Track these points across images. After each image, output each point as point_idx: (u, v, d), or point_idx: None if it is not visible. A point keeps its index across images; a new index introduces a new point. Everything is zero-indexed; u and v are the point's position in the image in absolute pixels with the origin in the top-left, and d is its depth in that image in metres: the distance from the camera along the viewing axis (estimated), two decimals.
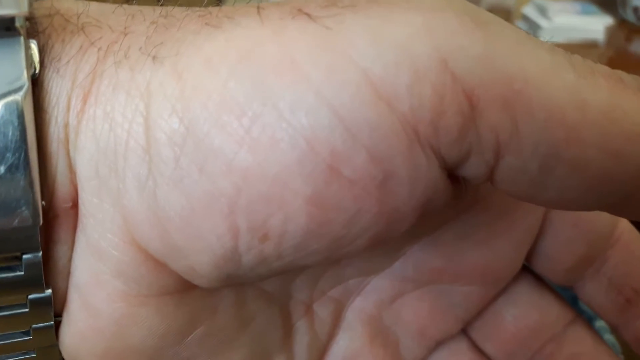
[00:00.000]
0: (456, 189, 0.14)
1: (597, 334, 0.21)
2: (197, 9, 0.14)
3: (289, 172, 0.12)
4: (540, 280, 0.20)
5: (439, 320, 0.20)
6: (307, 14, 0.12)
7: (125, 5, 0.14)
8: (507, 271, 0.19)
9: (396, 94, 0.11)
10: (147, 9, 0.14)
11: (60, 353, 0.15)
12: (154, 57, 0.12)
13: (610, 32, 1.15)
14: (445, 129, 0.12)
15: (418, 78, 0.11)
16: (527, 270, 0.20)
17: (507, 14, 1.33)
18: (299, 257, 0.13)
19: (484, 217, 0.18)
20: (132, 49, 0.13)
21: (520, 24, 1.17)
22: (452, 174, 0.13)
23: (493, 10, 1.27)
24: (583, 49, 1.10)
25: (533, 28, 1.12)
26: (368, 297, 0.19)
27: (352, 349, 0.19)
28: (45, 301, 0.14)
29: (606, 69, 0.13)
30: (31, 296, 0.13)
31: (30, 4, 0.12)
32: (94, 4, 0.14)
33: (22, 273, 0.13)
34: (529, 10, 1.16)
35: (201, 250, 0.12)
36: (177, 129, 0.12)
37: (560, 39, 1.09)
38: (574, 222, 0.19)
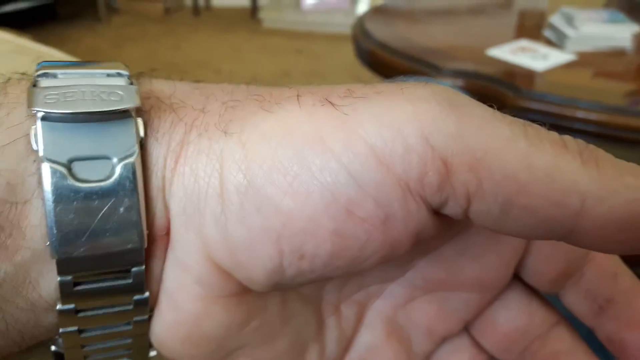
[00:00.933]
0: (445, 221, 0.17)
1: (578, 334, 0.23)
2: (254, 89, 0.18)
3: (319, 213, 0.16)
4: (530, 289, 0.23)
5: (444, 321, 0.22)
6: (331, 103, 0.16)
7: (201, 86, 0.18)
8: (498, 281, 0.22)
9: (393, 161, 0.15)
10: (217, 91, 0.18)
11: (149, 339, 0.19)
12: (225, 132, 0.17)
13: (638, 40, 1.13)
14: (428, 184, 0.16)
15: (408, 150, 0.15)
16: (519, 279, 0.22)
17: (540, 18, 1.32)
18: (326, 271, 0.17)
19: (477, 238, 0.21)
20: (210, 125, 0.17)
21: (547, 33, 1.16)
22: (438, 213, 0.17)
23: (524, 14, 1.23)
24: (610, 57, 1.09)
25: (560, 37, 1.11)
26: (385, 300, 0.22)
27: (372, 343, 0.22)
28: (145, 301, 0.17)
29: (555, 136, 0.16)
30: (135, 297, 0.17)
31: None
32: (179, 85, 0.18)
33: (131, 281, 0.17)
34: (556, 20, 1.14)
35: (257, 265, 0.16)
36: (242, 182, 0.16)
37: (588, 47, 1.08)
38: (554, 242, 0.21)
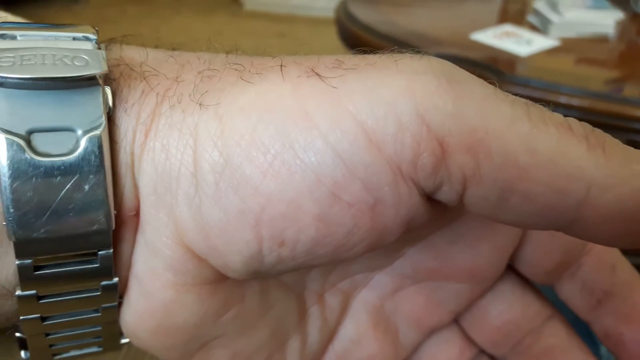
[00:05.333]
0: (438, 208, 0.16)
1: (572, 328, 0.22)
2: (234, 58, 0.17)
3: (301, 196, 0.14)
4: (524, 280, 0.22)
5: (433, 312, 0.22)
6: (318, 74, 0.15)
7: (175, 54, 0.17)
8: (491, 272, 0.21)
9: (384, 141, 0.14)
10: (193, 59, 0.17)
11: (119, 327, 0.18)
12: (200, 104, 0.15)
13: (621, 27, 1.15)
14: (421, 167, 0.14)
15: (401, 129, 0.14)
16: (513, 270, 0.22)
17: (524, 3, 1.32)
18: (309, 259, 0.16)
19: (470, 226, 0.20)
20: (184, 96, 0.15)
21: (531, 18, 1.17)
22: (431, 198, 0.16)
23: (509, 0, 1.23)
24: (593, 43, 1.10)
25: (544, 23, 1.11)
26: (372, 290, 0.21)
27: (357, 334, 0.21)
28: (113, 287, 0.16)
29: (560, 118, 0.15)
30: (103, 283, 0.16)
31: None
32: (152, 53, 0.17)
33: (98, 265, 0.16)
34: (540, 5, 1.15)
35: (234, 251, 0.15)
36: (217, 160, 0.15)
37: (571, 33, 1.09)
38: (551, 232, 0.20)
